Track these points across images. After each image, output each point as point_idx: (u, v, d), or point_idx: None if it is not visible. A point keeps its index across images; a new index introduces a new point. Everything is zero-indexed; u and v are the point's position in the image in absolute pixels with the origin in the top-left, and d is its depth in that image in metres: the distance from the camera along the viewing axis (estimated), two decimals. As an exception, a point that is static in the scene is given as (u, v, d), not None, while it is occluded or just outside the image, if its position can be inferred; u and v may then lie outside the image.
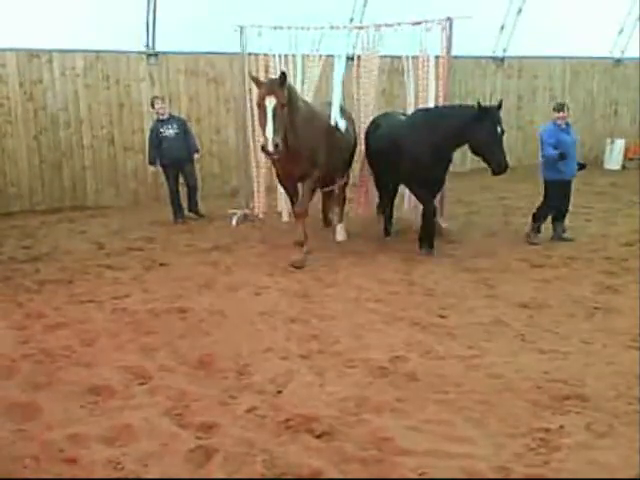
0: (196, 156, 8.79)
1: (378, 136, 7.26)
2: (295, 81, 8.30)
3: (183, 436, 3.31)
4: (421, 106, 7.78)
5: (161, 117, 8.53)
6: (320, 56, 8.09)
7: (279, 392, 3.79)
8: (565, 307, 5.22)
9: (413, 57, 7.87)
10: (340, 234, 7.74)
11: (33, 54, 9.16)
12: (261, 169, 8.43)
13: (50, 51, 9.23)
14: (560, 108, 7.06)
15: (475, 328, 4.79)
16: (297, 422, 3.41)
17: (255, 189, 8.49)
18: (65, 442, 3.26)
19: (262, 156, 8.30)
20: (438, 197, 8.08)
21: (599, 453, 3.09)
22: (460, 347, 4.43)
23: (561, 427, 3.32)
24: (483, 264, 6.47)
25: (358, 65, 8.06)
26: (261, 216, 8.43)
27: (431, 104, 7.78)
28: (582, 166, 7.10)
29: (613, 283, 5.80)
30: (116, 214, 9.35)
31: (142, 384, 3.93)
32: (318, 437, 3.28)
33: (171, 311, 5.25)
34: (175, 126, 8.51)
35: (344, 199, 7.84)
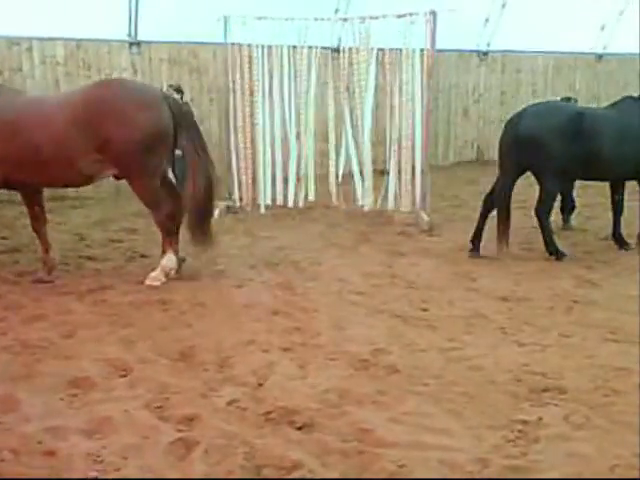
0: None
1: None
2: (279, 72, 8.29)
3: (163, 428, 3.29)
4: (405, 99, 7.80)
5: None
6: (304, 47, 8.07)
7: (260, 384, 3.78)
8: (545, 300, 5.27)
9: (397, 50, 7.90)
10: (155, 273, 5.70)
11: (13, 42, 9.01)
12: (243, 160, 8.40)
13: (30, 39, 9.09)
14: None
15: (456, 321, 4.83)
16: (278, 414, 3.40)
17: (236, 180, 8.48)
18: (44, 434, 3.23)
19: (243, 147, 8.31)
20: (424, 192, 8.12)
21: (576, 444, 3.12)
22: (441, 339, 4.46)
23: (539, 419, 3.35)
24: (464, 257, 6.51)
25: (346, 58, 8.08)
26: (249, 209, 8.42)
27: (417, 98, 7.80)
28: None
29: (592, 277, 5.86)
30: (97, 205, 9.25)
31: (122, 376, 3.91)
32: (299, 429, 3.28)
33: (152, 303, 5.22)
34: None
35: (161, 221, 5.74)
